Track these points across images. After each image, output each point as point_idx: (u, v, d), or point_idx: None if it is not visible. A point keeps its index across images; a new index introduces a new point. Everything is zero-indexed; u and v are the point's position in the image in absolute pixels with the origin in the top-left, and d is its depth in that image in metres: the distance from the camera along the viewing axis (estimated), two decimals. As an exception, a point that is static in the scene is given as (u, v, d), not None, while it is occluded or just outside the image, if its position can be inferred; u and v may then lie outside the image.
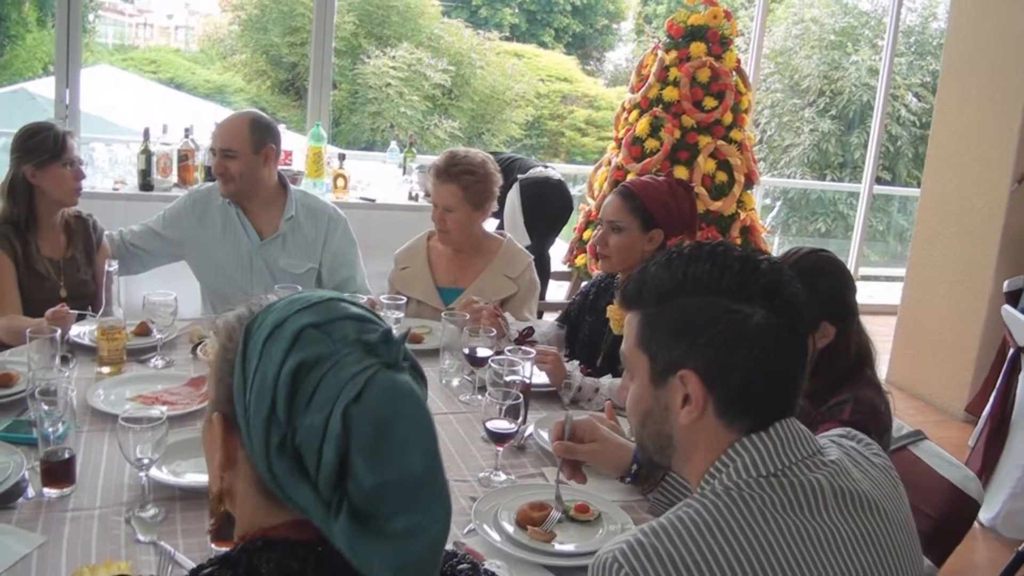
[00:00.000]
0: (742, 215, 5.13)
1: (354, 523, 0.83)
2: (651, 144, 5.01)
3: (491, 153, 4.78)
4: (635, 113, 5.19)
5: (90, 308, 2.52)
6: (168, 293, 2.45)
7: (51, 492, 1.70)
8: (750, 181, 5.19)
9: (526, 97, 13.44)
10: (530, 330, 2.62)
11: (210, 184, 3.15)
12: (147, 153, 4.18)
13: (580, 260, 5.23)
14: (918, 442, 2.18)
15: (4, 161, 4.14)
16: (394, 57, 12.56)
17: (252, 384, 0.88)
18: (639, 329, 1.19)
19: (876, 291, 7.33)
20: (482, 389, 2.19)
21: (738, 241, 5.05)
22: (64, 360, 2.17)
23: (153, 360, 2.41)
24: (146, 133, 4.19)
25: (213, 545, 1.55)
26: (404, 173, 4.86)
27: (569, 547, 1.60)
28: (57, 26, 4.98)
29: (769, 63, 12.46)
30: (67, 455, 1.72)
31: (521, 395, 1.89)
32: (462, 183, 2.78)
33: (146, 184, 4.17)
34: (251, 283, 2.99)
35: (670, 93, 5.02)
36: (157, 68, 14.13)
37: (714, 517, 1.09)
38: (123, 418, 1.62)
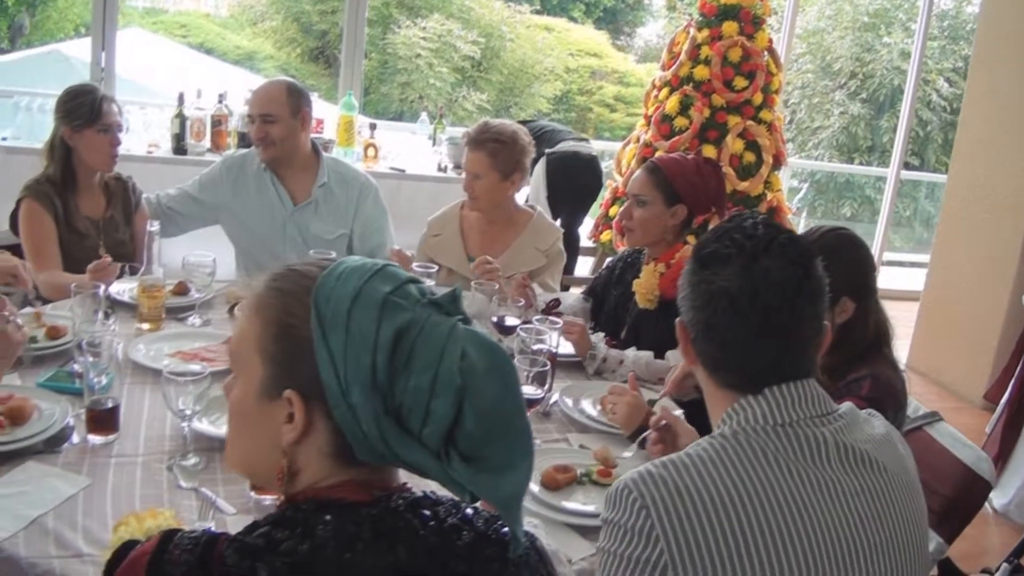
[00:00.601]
0: (768, 196, 5.14)
1: (464, 464, 0.89)
2: (680, 122, 5.02)
3: (526, 122, 4.80)
4: (665, 91, 5.20)
5: (127, 268, 2.59)
6: (207, 254, 2.52)
7: (95, 439, 1.78)
8: (778, 162, 5.20)
9: (555, 72, 13.40)
10: (556, 302, 2.68)
11: (244, 150, 3.20)
12: (181, 117, 4.24)
13: (605, 236, 5.27)
14: (934, 423, 2.22)
15: (45, 122, 4.27)
16: (424, 28, 12.54)
17: (344, 355, 0.90)
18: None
19: (899, 277, 7.30)
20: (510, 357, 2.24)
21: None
22: (105, 315, 2.24)
23: (191, 318, 2.49)
24: (180, 98, 4.25)
25: (252, 493, 1.62)
26: (434, 144, 4.90)
27: (591, 508, 1.67)
28: (93, -12, 5.03)
29: (801, 43, 12.34)
30: (112, 404, 1.80)
31: (548, 363, 1.95)
32: (489, 151, 2.83)
33: (180, 148, 4.24)
34: (284, 248, 3.05)
35: (701, 72, 5.03)
36: (187, 32, 14.15)
37: (720, 456, 1.19)
38: (168, 372, 1.69)
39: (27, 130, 4.21)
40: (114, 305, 2.48)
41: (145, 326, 2.34)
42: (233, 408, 1.02)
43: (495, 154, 2.83)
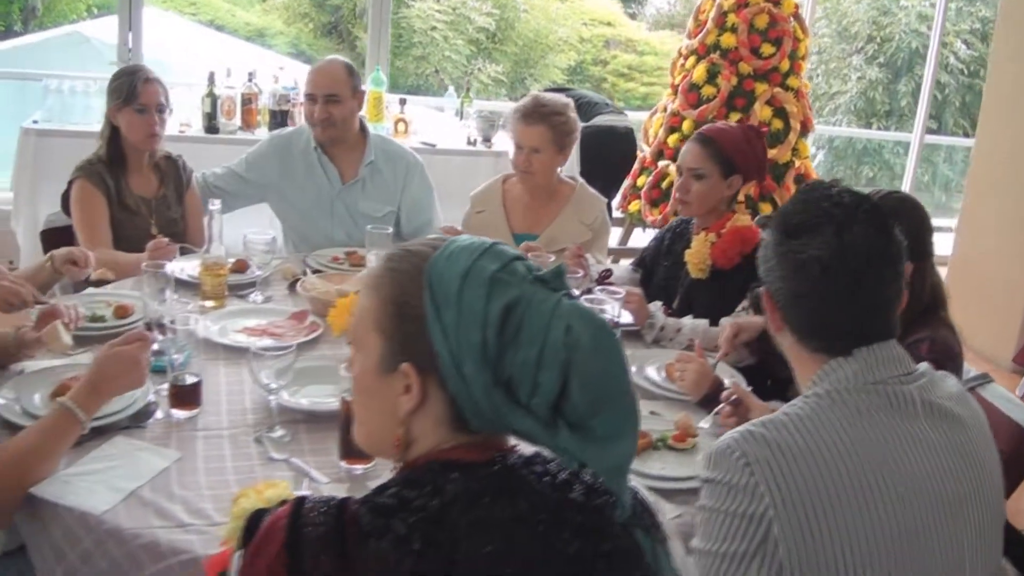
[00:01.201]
0: (796, 163, 5.15)
1: (572, 434, 0.94)
2: (708, 91, 5.03)
3: (562, 89, 4.79)
4: (692, 59, 5.19)
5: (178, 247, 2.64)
6: (267, 232, 2.57)
7: (179, 413, 1.83)
8: (805, 129, 5.20)
9: (568, 42, 13.30)
10: (608, 272, 2.71)
11: (291, 129, 3.24)
12: (212, 96, 4.27)
13: (634, 207, 5.29)
14: (985, 384, 2.27)
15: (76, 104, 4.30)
16: (439, 0, 12.45)
17: (456, 331, 0.96)
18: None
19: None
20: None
21: (792, 189, 5.08)
22: (160, 293, 2.27)
23: (252, 295, 2.53)
24: (211, 77, 4.28)
25: (343, 463, 1.68)
26: (461, 119, 4.92)
27: (669, 471, 1.71)
28: (120, -33, 5.03)
29: (818, 8, 12.21)
30: (194, 379, 1.85)
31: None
32: (550, 124, 2.84)
33: (211, 127, 4.27)
34: (332, 226, 3.09)
35: (727, 39, 5.02)
36: (196, 10, 14.09)
37: (817, 413, 1.25)
38: (255, 348, 1.74)
39: (58, 113, 4.22)
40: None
41: (209, 304, 2.39)
42: (355, 383, 1.08)
43: (555, 127, 2.84)
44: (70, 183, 2.86)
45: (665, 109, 5.31)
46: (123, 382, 1.71)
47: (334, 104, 2.97)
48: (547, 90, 5.14)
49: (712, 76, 5.04)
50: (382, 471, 1.65)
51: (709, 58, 5.07)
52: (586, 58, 13.92)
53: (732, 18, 5.03)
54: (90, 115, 4.20)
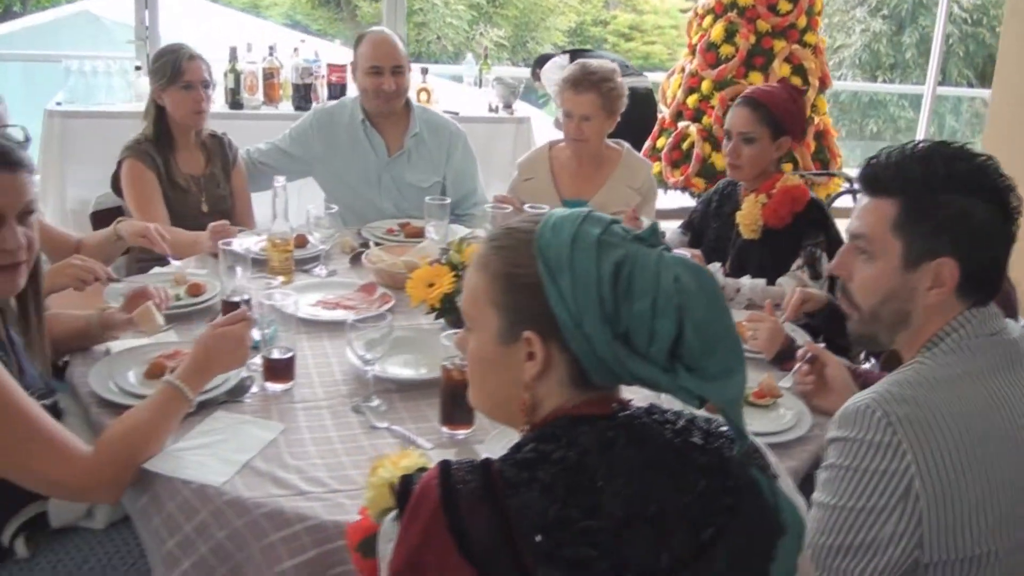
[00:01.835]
0: (816, 120, 5.18)
1: (689, 375, 1.02)
2: (726, 50, 5.05)
3: (581, 51, 4.80)
4: (709, 18, 5.21)
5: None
6: (330, 207, 2.60)
7: (275, 387, 1.89)
8: (823, 85, 5.23)
9: (568, 3, 13.24)
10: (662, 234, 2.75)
11: (334, 103, 3.26)
12: (235, 72, 4.28)
13: (655, 168, 5.31)
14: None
15: (98, 85, 4.28)
16: (439, -35, 12.35)
17: (574, 293, 1.03)
18: (896, 216, 1.37)
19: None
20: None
21: (812, 146, 5.12)
22: (230, 271, 2.32)
23: (316, 269, 2.58)
24: (232, 52, 4.28)
25: (444, 429, 1.74)
26: (479, 87, 4.93)
27: (752, 427, 1.77)
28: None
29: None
30: (289, 353, 1.90)
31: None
32: (600, 91, 2.87)
33: (235, 103, 4.29)
34: (380, 198, 3.13)
35: (744, -2, 5.03)
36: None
37: (951, 371, 1.32)
38: (352, 320, 1.80)
39: (82, 94, 4.21)
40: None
41: (279, 279, 2.43)
42: (473, 358, 1.15)
43: (604, 94, 2.88)
44: (119, 164, 2.89)
45: (683, 70, 5.33)
46: (228, 361, 1.77)
47: (400, 75, 3.03)
48: (564, 53, 5.16)
49: (730, 35, 5.06)
50: (483, 435, 1.72)
51: (726, 17, 5.08)
52: (586, 19, 13.85)
53: (749, -25, 5.03)
54: (113, 95, 4.22)
